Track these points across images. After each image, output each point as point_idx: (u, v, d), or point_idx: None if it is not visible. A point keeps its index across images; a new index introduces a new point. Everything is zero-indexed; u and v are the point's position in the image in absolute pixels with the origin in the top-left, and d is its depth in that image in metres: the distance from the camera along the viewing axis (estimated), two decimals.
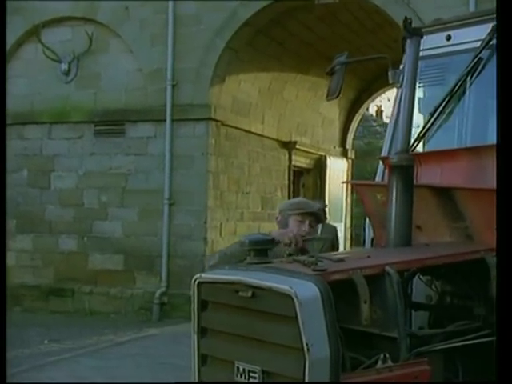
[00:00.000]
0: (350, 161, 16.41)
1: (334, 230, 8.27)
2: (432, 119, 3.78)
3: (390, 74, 3.74)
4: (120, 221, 11.77)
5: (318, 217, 3.89)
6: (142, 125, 11.69)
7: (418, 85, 3.70)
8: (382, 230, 3.82)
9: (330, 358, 2.48)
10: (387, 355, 2.65)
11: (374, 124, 30.59)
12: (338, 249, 7.94)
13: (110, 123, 11.78)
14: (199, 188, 11.35)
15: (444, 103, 3.76)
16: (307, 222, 3.70)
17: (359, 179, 17.50)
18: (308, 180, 15.30)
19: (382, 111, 30.44)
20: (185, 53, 11.40)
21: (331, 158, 15.33)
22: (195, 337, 2.93)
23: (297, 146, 14.13)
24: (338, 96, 3.96)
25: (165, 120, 11.42)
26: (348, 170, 16.22)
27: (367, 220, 4.14)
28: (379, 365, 2.64)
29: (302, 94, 14.34)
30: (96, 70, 11.95)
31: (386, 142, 4.12)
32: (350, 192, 16.29)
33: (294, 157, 14.22)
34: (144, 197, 11.58)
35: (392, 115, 4.08)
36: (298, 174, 14.88)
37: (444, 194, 3.45)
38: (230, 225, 12.16)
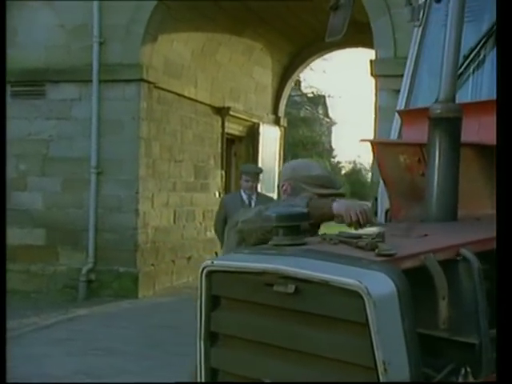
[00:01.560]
0: (282, 129, 15.75)
1: (271, 201, 7.44)
2: (466, 63, 3.09)
3: (406, 10, 3.04)
4: (41, 192, 10.74)
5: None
6: (64, 86, 10.62)
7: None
8: (402, 201, 3.16)
9: (410, 379, 1.77)
10: (468, 369, 1.97)
11: (293, 94, 30.12)
12: None
13: (29, 84, 10.67)
14: (130, 156, 10.42)
15: (480, 45, 3.08)
16: None
17: (288, 149, 16.92)
18: (240, 148, 14.55)
19: (300, 81, 29.97)
20: (113, 8, 10.37)
21: (264, 125, 14.61)
22: (202, 345, 2.17)
23: (230, 113, 13.33)
24: (341, 34, 3.21)
25: (91, 81, 10.41)
26: (281, 139, 15.55)
27: (380, 188, 3.45)
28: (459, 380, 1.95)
29: (235, 57, 13.52)
30: (11, 25, 10.73)
31: (402, 93, 3.43)
32: (282, 162, 15.66)
33: (226, 124, 13.43)
34: (68, 165, 10.57)
35: (409, 62, 3.38)
36: (229, 142, 14.10)
37: (489, 155, 2.79)
38: (162, 195, 11.31)
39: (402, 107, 3.34)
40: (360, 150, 48.52)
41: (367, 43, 14.59)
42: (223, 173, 13.56)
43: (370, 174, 50.48)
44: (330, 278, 1.82)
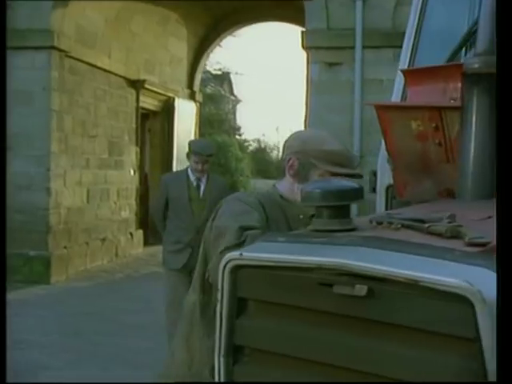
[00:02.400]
0: (198, 104, 15.15)
1: (223, 185, 6.20)
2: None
3: None
4: None
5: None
6: None
7: None
8: (409, 175, 2.73)
9: None
10: None
11: None
12: None
13: None
14: (40, 130, 9.60)
15: None
16: None
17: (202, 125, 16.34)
18: (155, 124, 13.86)
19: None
20: None
21: (180, 100, 13.97)
22: (221, 362, 1.66)
23: (145, 86, 12.62)
24: None
25: None
26: (197, 114, 14.97)
27: (380, 161, 3.02)
28: None
29: (150, 27, 12.79)
30: None
31: (404, 51, 2.99)
32: (198, 137, 15.10)
33: (141, 97, 12.71)
34: None
35: (412, 17, 2.95)
36: (144, 116, 13.39)
37: None
38: (75, 173, 10.54)
39: (406, 66, 2.91)
40: (265, 128, 48.29)
41: (286, 17, 14.20)
42: (138, 149, 12.86)
43: (274, 152, 50.72)
44: (423, 278, 1.35)
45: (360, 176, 2.41)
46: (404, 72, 2.84)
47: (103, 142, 11.48)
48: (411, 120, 2.60)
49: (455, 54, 2.69)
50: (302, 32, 8.97)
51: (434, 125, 2.54)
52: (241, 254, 1.58)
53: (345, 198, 1.63)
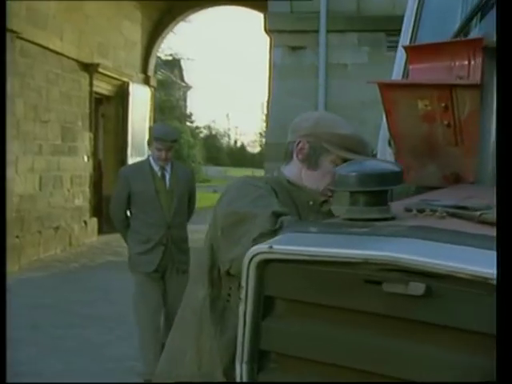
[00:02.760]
0: (152, 89, 14.80)
1: (189, 172, 5.60)
2: None
3: None
4: None
5: None
6: None
7: None
8: (413, 159, 2.56)
9: None
10: None
11: None
12: (194, 188, 5.40)
13: None
14: None
15: None
16: None
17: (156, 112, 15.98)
18: (109, 109, 13.47)
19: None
20: None
21: (134, 85, 13.61)
22: (243, 369, 1.45)
23: (99, 70, 12.24)
24: None
25: None
26: (151, 100, 14.62)
27: (380, 143, 2.84)
28: None
29: (104, 9, 12.40)
30: None
31: (404, 29, 2.81)
32: (153, 124, 14.77)
33: (95, 81, 12.32)
34: None
35: None
36: (97, 101, 12.99)
37: None
38: (27, 159, 10.14)
39: (408, 42, 2.73)
40: (215, 115, 47.97)
41: (242, 0, 13.95)
42: (92, 135, 12.48)
43: (225, 139, 50.13)
44: (495, 275, 1.16)
45: None
46: (406, 48, 2.66)
47: (56, 127, 11.08)
48: (418, 99, 2.43)
49: (461, 29, 2.52)
50: (265, 15, 8.75)
51: (443, 104, 2.38)
52: (270, 247, 1.38)
53: (385, 182, 1.44)
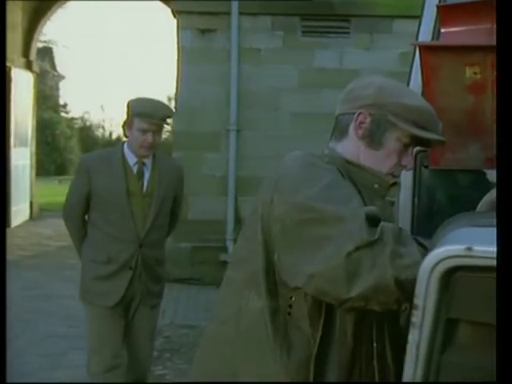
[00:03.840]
0: (35, 75, 13.83)
1: (177, 169, 3.98)
2: None
3: None
4: None
5: None
6: None
7: None
8: (452, 137, 2.20)
9: None
10: None
11: None
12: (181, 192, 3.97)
13: None
14: None
15: None
16: None
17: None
18: None
19: None
20: None
21: (16, 69, 12.62)
22: None
23: None
24: None
25: None
26: (34, 87, 13.66)
27: None
28: None
29: None
30: None
31: None
32: (36, 112, 13.87)
33: None
34: None
35: None
36: None
37: None
38: None
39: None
40: (89, 106, 46.62)
41: None
42: None
43: (100, 131, 49.04)
44: None
45: (443, 142, 1.85)
46: (439, 8, 2.29)
47: None
48: (466, 66, 2.07)
49: None
50: None
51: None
52: (469, 249, 0.95)
53: None
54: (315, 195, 1.57)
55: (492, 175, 2.15)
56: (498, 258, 1.30)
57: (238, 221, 7.87)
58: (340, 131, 1.86)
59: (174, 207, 3.86)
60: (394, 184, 1.84)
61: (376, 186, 1.79)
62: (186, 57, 8.04)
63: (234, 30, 7.92)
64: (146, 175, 3.68)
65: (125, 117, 3.66)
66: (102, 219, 3.64)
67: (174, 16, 8.33)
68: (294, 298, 1.62)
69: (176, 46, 8.15)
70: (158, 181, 3.69)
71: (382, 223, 1.49)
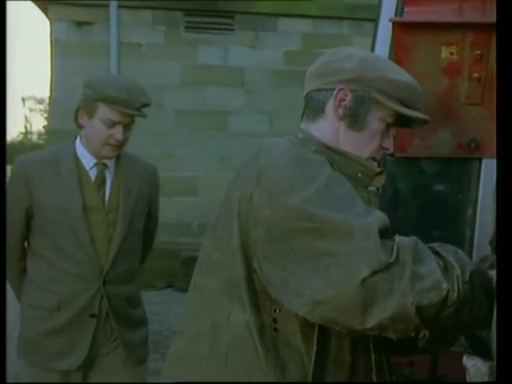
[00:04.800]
0: None
1: (151, 172, 2.86)
2: None
3: None
4: None
5: None
6: None
7: None
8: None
9: None
10: None
11: None
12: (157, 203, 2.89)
13: None
14: None
15: None
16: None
17: None
18: None
19: None
20: None
21: None
22: None
23: None
24: None
25: None
26: None
27: None
28: None
29: None
30: None
31: None
32: None
33: None
34: None
35: None
36: None
37: None
38: None
39: None
40: None
41: None
42: None
43: None
44: None
45: (427, 122, 1.66)
46: None
47: None
48: (442, 45, 1.94)
49: None
50: None
51: (478, 52, 1.91)
52: None
53: None
54: (312, 198, 1.33)
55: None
56: (498, 258, 1.30)
57: None
58: (314, 110, 1.61)
59: (149, 224, 2.83)
60: (381, 173, 1.63)
61: (360, 175, 1.57)
62: (61, 50, 7.57)
63: (112, 23, 7.54)
64: (108, 182, 2.63)
65: (78, 99, 2.61)
66: (49, 247, 2.59)
67: (43, 8, 7.83)
68: (278, 311, 1.40)
69: (49, 40, 7.66)
70: (124, 190, 2.66)
71: (398, 240, 1.31)
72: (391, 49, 2.07)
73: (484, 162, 2.04)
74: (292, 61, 7.81)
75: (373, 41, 2.12)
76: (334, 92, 1.56)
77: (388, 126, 1.61)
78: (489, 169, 2.03)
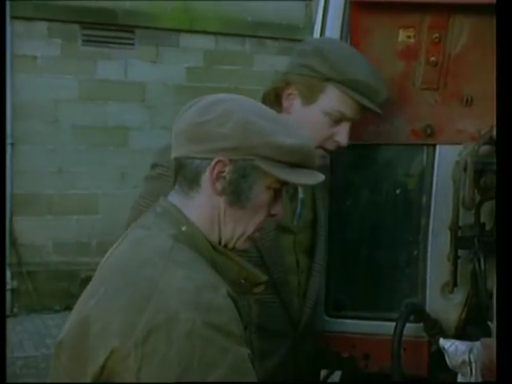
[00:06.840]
0: None
1: None
2: None
3: None
4: None
5: None
6: None
7: None
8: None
9: None
10: None
11: None
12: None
13: None
14: None
15: None
16: None
17: None
18: None
19: None
20: None
21: None
22: None
23: None
24: None
25: None
26: None
27: None
28: None
29: None
30: None
31: None
32: None
33: None
34: None
35: None
36: None
37: None
38: None
39: None
40: None
41: None
42: None
43: None
44: None
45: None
46: None
47: None
48: (400, 28, 1.92)
49: None
50: None
51: (436, 35, 1.90)
52: None
53: None
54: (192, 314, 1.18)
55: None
56: (498, 258, 1.33)
57: (13, 244, 7.13)
58: (187, 182, 1.36)
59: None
60: (265, 282, 1.46)
61: (243, 281, 1.40)
62: None
63: (6, 34, 7.19)
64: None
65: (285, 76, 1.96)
66: None
67: None
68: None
69: None
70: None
71: None
72: (343, 29, 2.02)
73: (438, 147, 2.03)
74: (194, 77, 7.74)
75: (323, 20, 2.05)
76: (211, 163, 1.33)
77: (276, 192, 1.39)
78: (443, 155, 2.02)
